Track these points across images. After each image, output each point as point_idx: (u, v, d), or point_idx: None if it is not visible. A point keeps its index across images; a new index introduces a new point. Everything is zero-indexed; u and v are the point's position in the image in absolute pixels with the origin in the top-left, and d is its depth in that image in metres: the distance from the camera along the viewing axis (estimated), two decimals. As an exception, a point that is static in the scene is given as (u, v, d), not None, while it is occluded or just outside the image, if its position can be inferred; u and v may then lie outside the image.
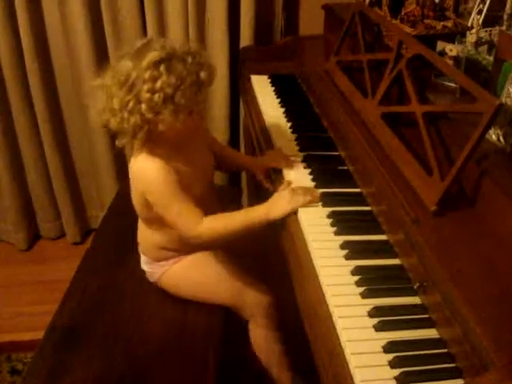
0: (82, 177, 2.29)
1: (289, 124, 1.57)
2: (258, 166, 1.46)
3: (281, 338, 1.42)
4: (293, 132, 1.52)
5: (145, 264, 1.43)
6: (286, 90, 1.78)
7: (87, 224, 2.40)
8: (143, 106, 1.09)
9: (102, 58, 1.99)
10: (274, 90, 1.78)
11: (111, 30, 1.94)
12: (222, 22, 1.94)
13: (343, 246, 1.09)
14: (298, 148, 1.45)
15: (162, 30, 1.97)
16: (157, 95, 1.08)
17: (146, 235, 1.39)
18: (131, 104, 1.09)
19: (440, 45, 1.31)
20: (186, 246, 1.35)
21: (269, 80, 1.86)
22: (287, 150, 1.43)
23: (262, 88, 1.81)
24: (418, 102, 1.19)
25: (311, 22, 2.12)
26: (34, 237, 2.39)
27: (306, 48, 1.92)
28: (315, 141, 1.47)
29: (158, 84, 1.07)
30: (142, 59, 1.09)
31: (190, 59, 1.11)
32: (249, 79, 1.87)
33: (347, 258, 1.07)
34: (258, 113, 1.68)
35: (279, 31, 2.08)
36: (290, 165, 1.36)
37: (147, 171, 1.19)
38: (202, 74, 1.12)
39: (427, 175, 1.09)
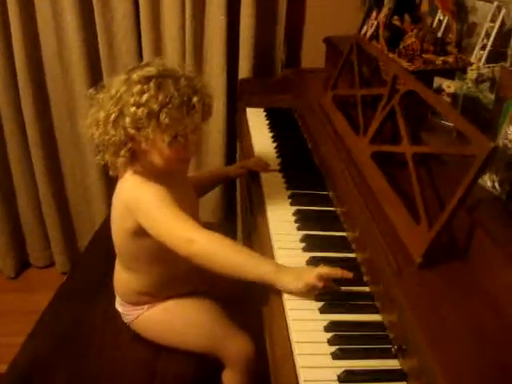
0: (73, 206, 2.23)
1: (278, 160, 1.49)
2: (235, 170, 1.51)
3: None
4: (281, 169, 1.44)
5: (119, 305, 1.35)
6: (280, 125, 1.71)
7: (77, 254, 2.32)
8: (127, 120, 1.04)
9: (96, 83, 1.95)
10: (268, 124, 1.72)
11: (107, 55, 1.91)
12: (220, 54, 1.89)
13: (319, 297, 0.99)
14: (285, 186, 1.36)
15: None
16: (141, 109, 1.03)
17: (121, 278, 1.31)
18: (115, 116, 1.04)
19: (437, 81, 1.22)
20: (161, 292, 1.27)
21: (264, 113, 1.80)
22: (273, 187, 1.35)
23: (257, 121, 1.74)
24: (409, 141, 1.10)
25: (314, 54, 2.06)
26: (22, 264, 2.33)
27: (306, 81, 1.85)
28: (304, 179, 1.38)
29: (144, 98, 1.02)
30: (135, 74, 1.06)
31: (184, 82, 1.06)
32: (244, 112, 1.80)
33: (322, 311, 0.96)
34: (250, 147, 1.61)
35: (280, 63, 2.02)
36: (266, 170, 1.43)
37: (137, 191, 1.11)
38: (195, 99, 1.06)
39: (415, 223, 0.99)
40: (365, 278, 1.03)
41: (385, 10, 1.57)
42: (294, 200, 1.29)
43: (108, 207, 2.14)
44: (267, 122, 1.73)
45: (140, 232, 1.11)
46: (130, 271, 1.25)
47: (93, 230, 2.22)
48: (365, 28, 1.70)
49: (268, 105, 1.84)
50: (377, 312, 0.96)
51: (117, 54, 1.92)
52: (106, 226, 1.79)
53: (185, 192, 1.22)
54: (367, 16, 1.71)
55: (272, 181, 1.39)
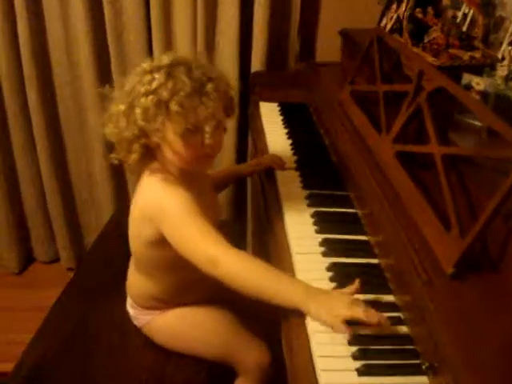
0: (79, 200, 2.19)
1: (294, 158, 1.43)
2: (248, 168, 1.48)
3: None
4: (297, 167, 1.38)
5: (130, 307, 1.30)
6: (295, 120, 1.64)
7: (83, 249, 2.28)
8: (137, 111, 0.98)
9: (104, 78, 1.90)
10: (283, 120, 1.65)
11: (116, 52, 1.86)
12: (233, 46, 1.83)
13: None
14: (301, 185, 1.30)
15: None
16: (150, 97, 0.97)
17: (135, 281, 1.26)
18: (126, 108, 0.99)
19: (466, 77, 1.16)
20: (176, 298, 1.22)
21: (278, 108, 1.73)
22: (290, 187, 1.29)
23: (270, 117, 1.68)
24: (438, 142, 1.04)
25: (330, 47, 1.99)
26: (26, 259, 2.28)
27: (321, 75, 1.78)
28: (321, 178, 1.32)
29: (154, 85, 0.97)
30: (146, 64, 1.01)
31: (197, 70, 0.99)
32: (257, 106, 1.74)
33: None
34: (264, 143, 1.54)
35: (294, 56, 1.95)
36: (283, 167, 1.37)
37: (158, 197, 1.04)
38: (209, 86, 0.99)
39: (445, 230, 0.93)
40: (390, 286, 0.98)
41: (406, 2, 1.50)
42: (312, 201, 1.23)
43: (115, 203, 2.10)
44: (281, 117, 1.67)
45: (159, 241, 1.05)
46: (145, 276, 1.20)
47: (99, 225, 2.18)
48: (384, 21, 1.63)
49: (281, 99, 1.78)
50: (404, 324, 0.91)
51: (126, 44, 1.86)
52: (113, 222, 1.74)
53: (206, 194, 1.16)
54: (387, 8, 1.64)
55: (288, 180, 1.33)
